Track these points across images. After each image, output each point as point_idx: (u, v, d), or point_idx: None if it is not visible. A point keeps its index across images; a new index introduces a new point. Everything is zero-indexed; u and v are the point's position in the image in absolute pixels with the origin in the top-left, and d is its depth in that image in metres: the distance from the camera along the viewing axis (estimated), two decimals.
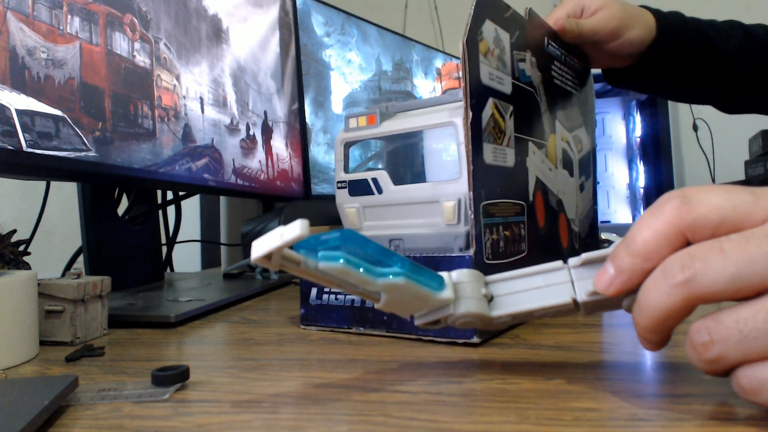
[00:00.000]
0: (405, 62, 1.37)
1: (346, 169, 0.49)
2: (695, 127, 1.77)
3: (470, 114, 0.38)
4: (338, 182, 0.49)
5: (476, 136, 0.39)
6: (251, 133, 0.85)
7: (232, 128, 0.80)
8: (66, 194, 0.94)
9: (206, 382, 0.33)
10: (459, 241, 0.43)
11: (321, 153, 1.10)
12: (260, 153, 0.87)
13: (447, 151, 0.50)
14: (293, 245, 0.25)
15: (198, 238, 1.25)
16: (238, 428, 0.26)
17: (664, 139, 1.67)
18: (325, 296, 0.45)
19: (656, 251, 0.23)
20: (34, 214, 0.75)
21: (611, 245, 0.26)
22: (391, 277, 0.26)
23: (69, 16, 0.54)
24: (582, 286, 0.27)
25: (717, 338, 0.21)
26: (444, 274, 0.29)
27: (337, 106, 1.17)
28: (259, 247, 0.24)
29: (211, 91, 0.76)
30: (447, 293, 0.28)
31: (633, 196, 1.75)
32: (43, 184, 0.75)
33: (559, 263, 0.28)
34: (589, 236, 0.62)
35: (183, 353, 0.42)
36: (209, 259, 1.29)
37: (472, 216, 0.38)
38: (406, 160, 0.54)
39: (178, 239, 0.95)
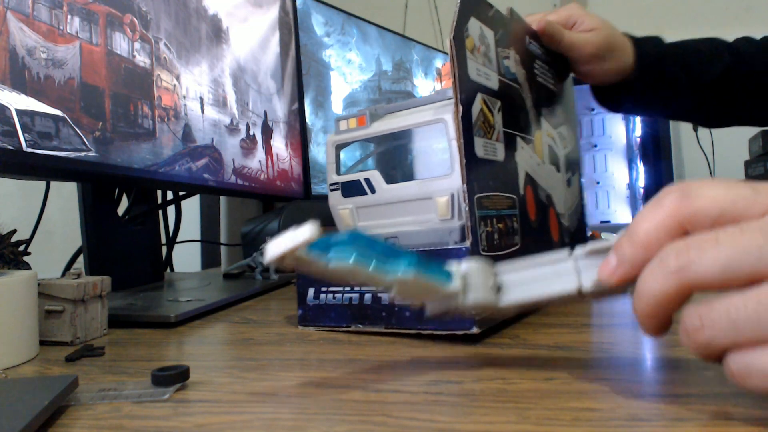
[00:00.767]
0: (405, 62, 1.37)
1: (338, 171, 0.49)
2: (695, 127, 1.77)
3: (461, 108, 0.39)
4: (331, 184, 0.49)
5: (467, 130, 0.39)
6: (251, 133, 0.85)
7: (232, 128, 0.80)
8: (66, 194, 0.94)
9: (206, 382, 0.33)
10: (453, 235, 0.43)
11: (321, 153, 1.10)
12: (260, 153, 0.87)
13: (438, 149, 0.50)
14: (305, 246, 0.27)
15: (198, 238, 1.25)
16: (238, 428, 0.26)
17: (664, 139, 1.67)
18: (322, 296, 0.45)
19: (656, 242, 0.24)
20: (34, 214, 0.75)
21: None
22: (399, 273, 0.28)
23: (69, 16, 0.54)
24: (588, 275, 0.28)
25: (708, 323, 0.22)
26: (453, 265, 0.30)
27: (337, 106, 1.17)
28: (273, 250, 0.26)
29: (211, 91, 0.76)
30: (455, 285, 0.29)
31: (633, 196, 1.75)
32: (43, 184, 0.75)
33: (565, 253, 0.29)
34: (577, 231, 0.62)
35: (183, 353, 0.42)
36: (209, 259, 1.29)
37: (467, 208, 0.38)
38: (397, 159, 0.54)
39: (178, 239, 0.95)
